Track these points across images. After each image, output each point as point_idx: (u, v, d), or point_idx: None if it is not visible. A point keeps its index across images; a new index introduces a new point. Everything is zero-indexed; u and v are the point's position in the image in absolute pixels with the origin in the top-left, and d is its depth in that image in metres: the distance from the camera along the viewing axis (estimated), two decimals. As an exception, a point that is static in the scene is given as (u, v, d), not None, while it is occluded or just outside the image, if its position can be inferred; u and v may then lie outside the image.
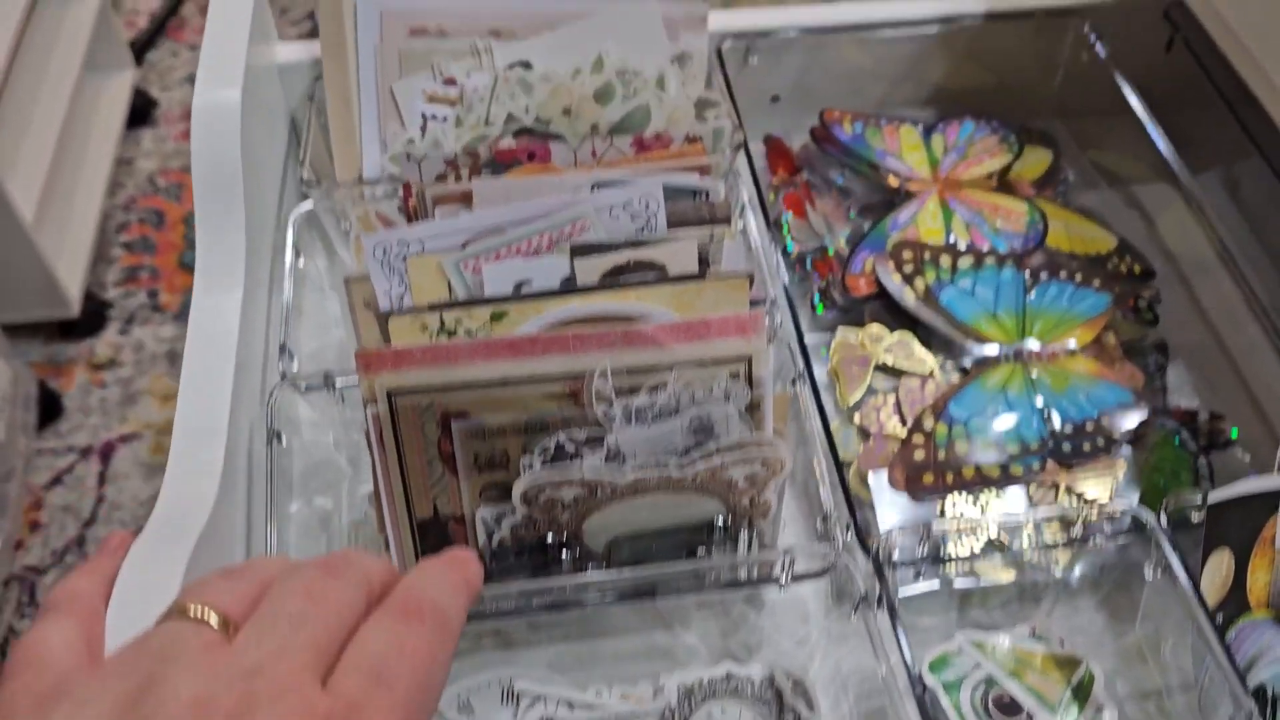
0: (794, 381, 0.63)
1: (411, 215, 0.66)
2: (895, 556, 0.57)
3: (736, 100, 0.77)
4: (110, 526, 1.59)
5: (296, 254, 0.68)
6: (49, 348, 1.81)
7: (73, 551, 1.59)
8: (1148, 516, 0.56)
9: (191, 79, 1.79)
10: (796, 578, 0.57)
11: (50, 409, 1.70)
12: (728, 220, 0.65)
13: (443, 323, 0.58)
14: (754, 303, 0.61)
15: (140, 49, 2.16)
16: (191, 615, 0.35)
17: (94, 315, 1.79)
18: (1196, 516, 0.58)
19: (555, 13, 0.75)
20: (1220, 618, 0.54)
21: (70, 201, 1.82)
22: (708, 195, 0.65)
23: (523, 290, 0.63)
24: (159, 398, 1.75)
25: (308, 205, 0.70)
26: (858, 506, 0.65)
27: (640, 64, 0.73)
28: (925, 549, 0.57)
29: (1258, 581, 0.55)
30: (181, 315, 1.84)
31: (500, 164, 0.67)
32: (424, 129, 0.74)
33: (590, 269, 0.62)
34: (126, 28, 2.20)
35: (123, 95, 1.99)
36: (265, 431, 0.59)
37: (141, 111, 2.09)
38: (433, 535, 0.59)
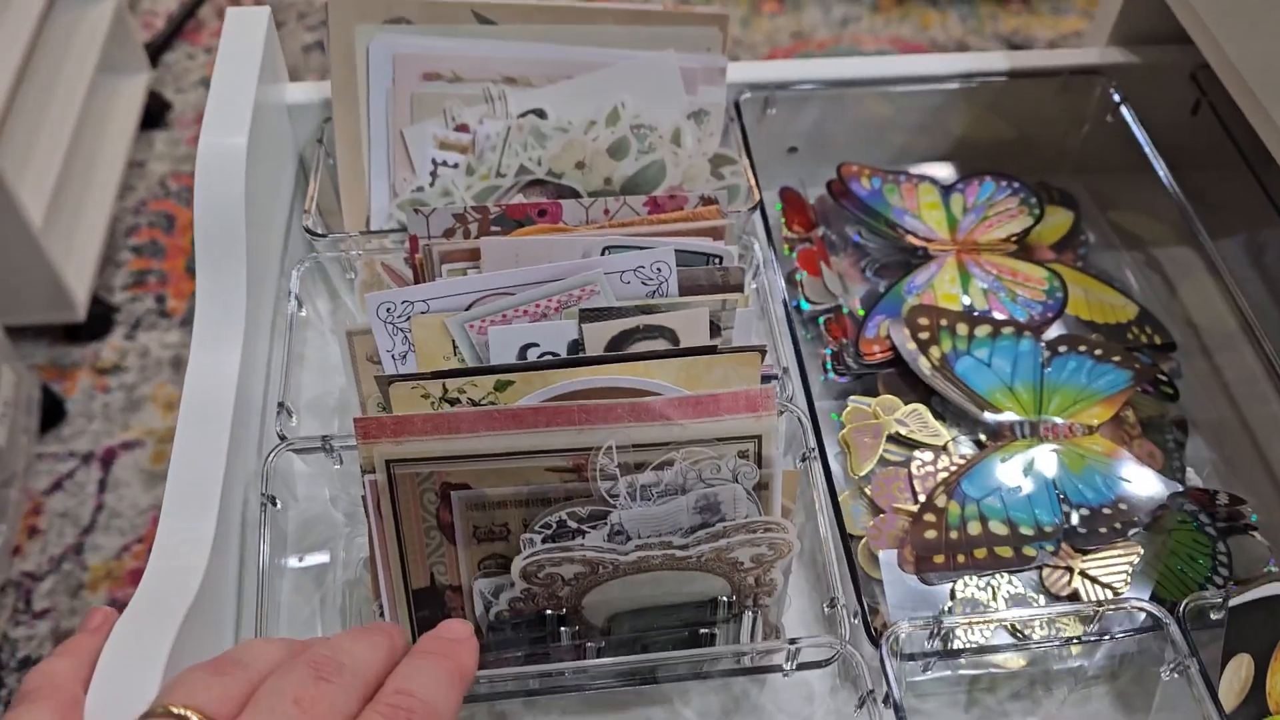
0: (804, 458, 0.62)
1: (418, 270, 0.65)
2: (903, 649, 0.55)
3: (753, 151, 0.76)
4: (109, 535, 1.58)
5: (299, 305, 0.67)
6: (54, 351, 1.80)
7: (70, 559, 1.58)
8: (1165, 616, 0.55)
9: (206, 82, 1.77)
10: (801, 666, 0.55)
11: (53, 413, 1.70)
12: (740, 287, 0.63)
13: (445, 390, 0.57)
14: (765, 378, 0.60)
15: (156, 51, 2.16)
16: (175, 715, 0.33)
17: (100, 319, 1.79)
18: (1214, 614, 0.56)
19: (571, 61, 0.74)
20: (1237, 724, 0.53)
21: (80, 204, 1.81)
22: (721, 260, 0.64)
23: (529, 354, 0.61)
24: (162, 405, 1.74)
25: (311, 258, 0.68)
26: (866, 583, 0.63)
27: (656, 117, 0.72)
28: (935, 643, 0.56)
29: (1278, 686, 0.54)
30: (187, 321, 1.84)
31: (510, 220, 0.65)
32: (434, 176, 0.72)
33: (599, 334, 0.61)
34: (143, 29, 2.19)
35: (137, 97, 1.99)
36: (260, 495, 0.58)
37: (155, 114, 2.08)
38: (429, 604, 0.58)
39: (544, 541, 0.55)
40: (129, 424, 1.73)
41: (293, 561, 0.65)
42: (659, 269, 0.62)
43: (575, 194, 0.71)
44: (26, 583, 1.55)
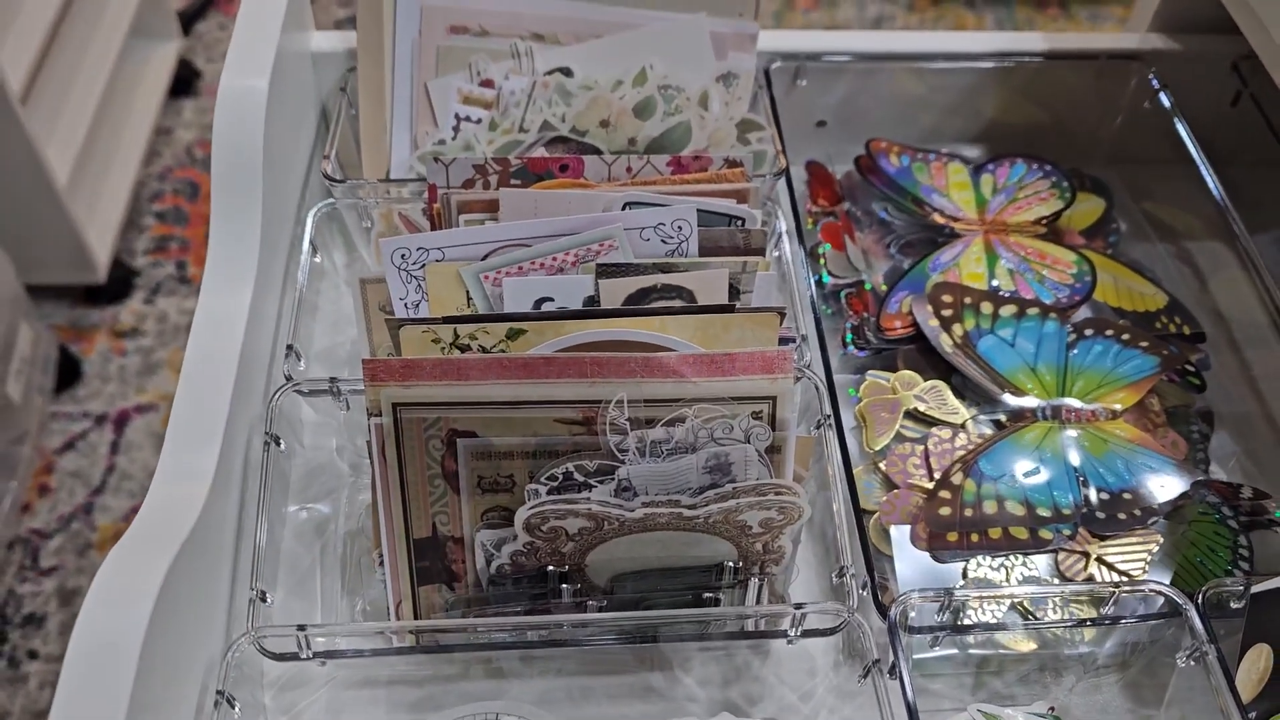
0: (819, 425, 0.60)
1: (435, 220, 0.64)
2: (912, 622, 0.53)
3: (781, 123, 0.74)
4: (118, 496, 1.58)
5: (314, 250, 0.66)
6: (74, 312, 1.80)
7: (79, 518, 1.58)
8: (1184, 601, 0.53)
9: (236, 54, 1.78)
10: (806, 634, 0.54)
11: (69, 373, 1.70)
12: (762, 250, 0.62)
13: (456, 336, 0.56)
14: (783, 340, 0.58)
15: (189, 19, 2.16)
16: None
17: (121, 282, 1.79)
18: (1235, 602, 0.55)
19: (601, 21, 0.73)
20: (1255, 715, 0.51)
21: (106, 167, 1.82)
22: (743, 222, 0.63)
23: (543, 308, 0.60)
24: (177, 370, 1.74)
25: (328, 203, 0.67)
26: (876, 559, 0.62)
27: (684, 80, 0.71)
28: (945, 616, 0.54)
29: (1296, 679, 0.52)
30: (207, 290, 1.84)
31: (531, 174, 0.64)
32: (456, 130, 0.71)
33: (615, 290, 0.60)
34: (177, -3, 2.19)
35: (167, 64, 1.99)
36: (264, 434, 0.57)
37: (185, 82, 2.09)
38: (429, 555, 0.57)
39: (549, 493, 0.54)
40: (144, 387, 1.73)
41: (295, 510, 0.64)
42: (680, 227, 0.61)
43: (598, 152, 0.70)
44: (34, 540, 1.55)
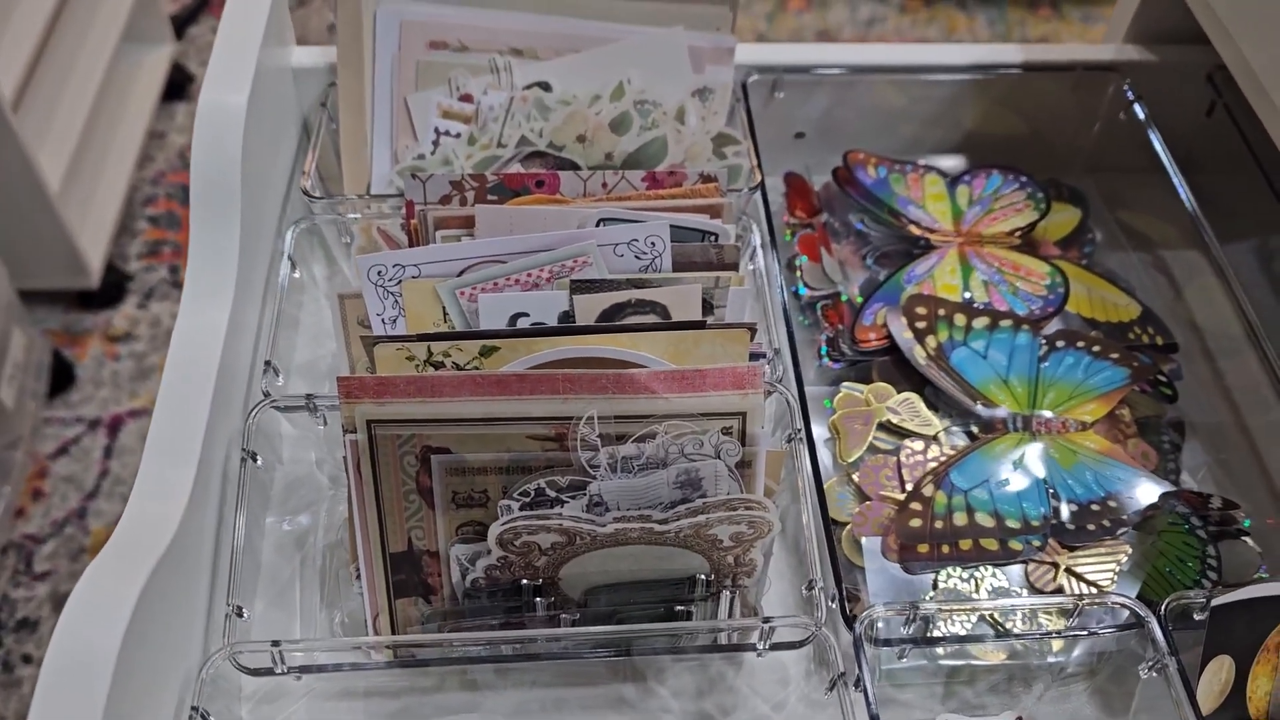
0: (790, 439, 0.61)
1: (413, 235, 0.65)
2: (879, 635, 0.54)
3: (758, 135, 0.75)
4: (112, 501, 1.59)
5: (292, 266, 0.67)
6: (67, 317, 1.81)
7: (72, 523, 1.59)
8: (1146, 614, 0.54)
9: (227, 58, 1.78)
10: (775, 646, 0.55)
11: (62, 378, 1.70)
12: (735, 266, 0.63)
13: (430, 353, 0.57)
14: (754, 356, 0.59)
15: (182, 24, 2.16)
16: None
17: (114, 287, 1.79)
18: (1198, 614, 0.56)
19: (580, 36, 0.74)
20: (1214, 726, 0.52)
21: (99, 172, 1.82)
22: (716, 238, 0.63)
23: (519, 323, 0.61)
24: (171, 375, 1.75)
25: (306, 219, 0.68)
26: (849, 570, 0.63)
27: (662, 94, 0.71)
28: (911, 629, 0.55)
29: (1258, 690, 0.53)
30: (200, 294, 1.84)
31: (508, 189, 0.65)
32: (436, 144, 0.72)
33: (590, 306, 0.61)
34: (169, 2, 2.20)
35: (160, 69, 1.99)
36: (241, 450, 0.58)
37: (178, 86, 2.09)
38: (405, 568, 0.58)
39: (522, 509, 0.54)
40: (137, 392, 1.74)
41: (275, 522, 0.65)
42: (653, 243, 0.62)
43: (575, 167, 0.71)
44: (28, 545, 1.55)
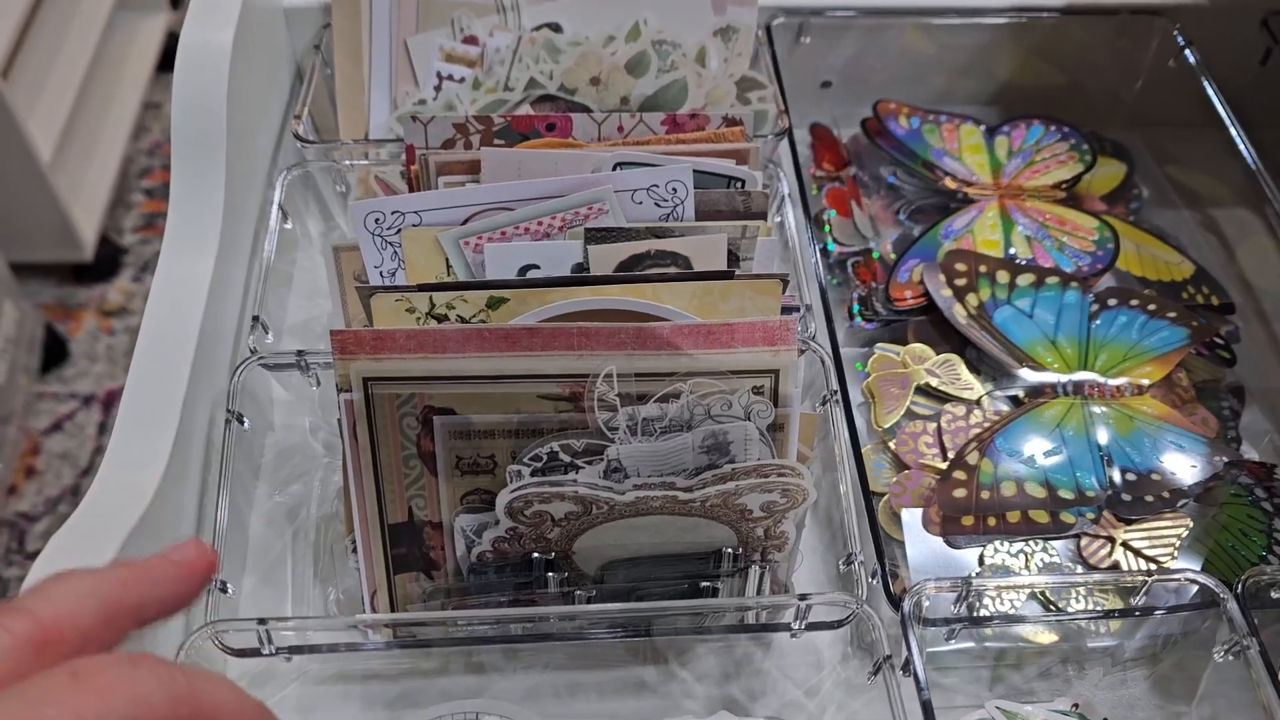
0: (825, 401, 0.56)
1: (413, 183, 0.60)
2: (925, 613, 0.49)
3: (784, 83, 0.70)
4: (107, 480, 1.55)
5: (284, 217, 0.62)
6: (60, 290, 1.76)
7: (66, 500, 1.55)
8: (1223, 591, 0.49)
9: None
10: (811, 626, 0.50)
11: (56, 353, 1.66)
12: (763, 215, 0.58)
13: (433, 305, 0.52)
14: (786, 309, 0.54)
15: (178, -8, 2.11)
16: None
17: (108, 260, 1.75)
18: (1275, 592, 0.51)
19: (591, -29, 0.69)
20: (1297, 713, 0.47)
21: (92, 143, 1.77)
22: (743, 184, 0.58)
23: (529, 275, 0.56)
24: (168, 351, 1.71)
25: (299, 165, 0.63)
26: (886, 545, 0.58)
27: (680, 35, 0.66)
28: (962, 607, 0.50)
29: (1342, 674, 0.48)
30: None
31: (516, 133, 0.60)
32: (438, 89, 0.67)
33: (606, 257, 0.56)
34: (165, -30, 2.15)
35: (155, 38, 1.94)
36: (225, 411, 0.53)
37: (174, 55, 2.04)
38: (406, 541, 0.53)
39: (533, 475, 0.50)
40: (132, 367, 1.69)
41: (265, 492, 0.60)
42: (674, 189, 0.57)
43: (588, 111, 0.66)
44: (21, 523, 1.51)
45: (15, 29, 1.50)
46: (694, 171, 0.57)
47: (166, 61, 2.00)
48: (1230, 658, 0.49)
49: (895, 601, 0.50)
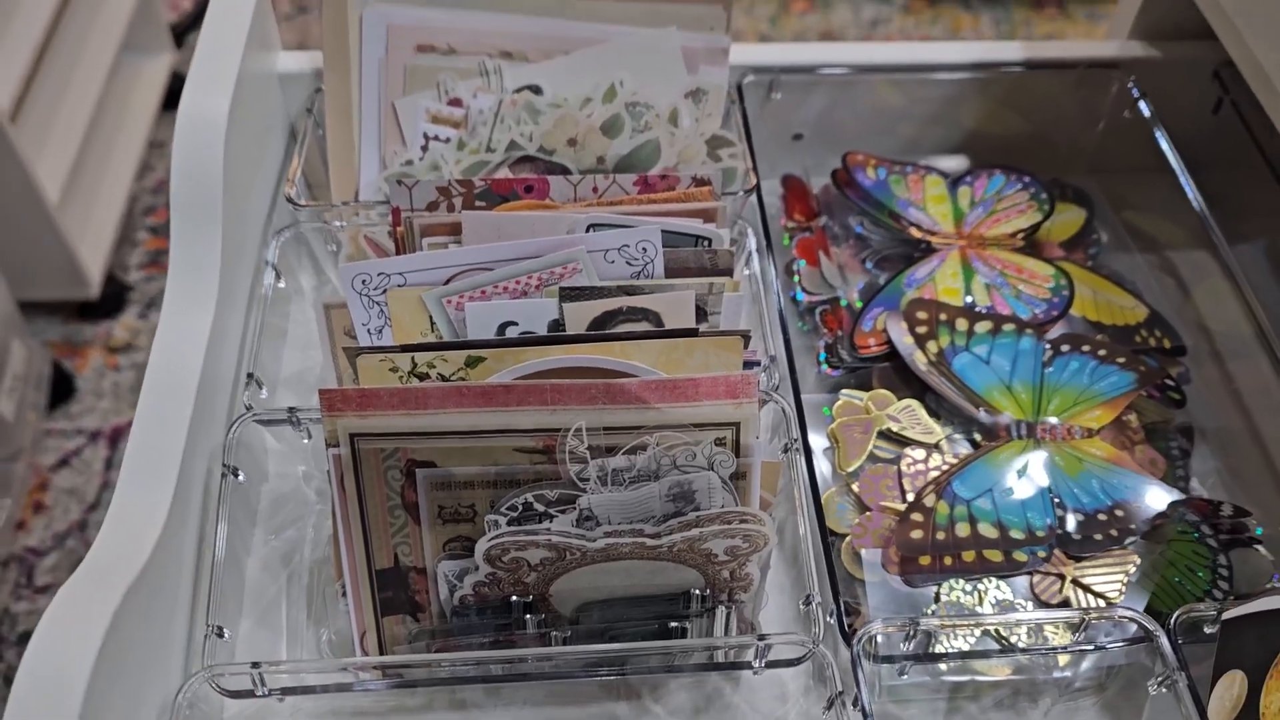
0: (787, 448, 0.59)
1: (399, 243, 0.63)
2: (879, 650, 0.52)
3: (755, 137, 0.73)
4: (113, 513, 1.58)
5: (277, 276, 0.65)
6: (67, 328, 1.80)
7: (74, 535, 1.58)
8: (1155, 628, 0.52)
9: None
10: (771, 664, 0.53)
11: (63, 389, 1.69)
12: (730, 271, 0.61)
13: (414, 364, 0.55)
14: (748, 364, 0.57)
15: (182, 32, 2.15)
16: None
17: (114, 298, 1.78)
18: (1209, 627, 0.54)
19: (571, 37, 0.72)
20: (1227, 744, 0.50)
21: (98, 182, 1.81)
22: (710, 242, 0.62)
23: (507, 332, 0.59)
24: (173, 385, 1.74)
25: (291, 227, 0.67)
26: (849, 583, 0.61)
27: (655, 96, 0.70)
28: (912, 645, 0.53)
29: (1271, 705, 0.51)
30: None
31: (496, 195, 0.64)
32: (425, 149, 0.71)
33: (580, 314, 0.59)
34: (169, 10, 2.19)
35: (160, 78, 1.98)
36: (222, 465, 0.56)
37: (178, 95, 2.08)
38: (393, 585, 0.56)
39: (509, 524, 0.53)
40: (138, 403, 1.72)
41: (261, 537, 0.63)
42: (644, 249, 0.60)
43: (566, 171, 0.69)
44: (30, 558, 1.54)
45: (23, 74, 1.54)
46: (663, 231, 0.61)
47: (171, 100, 2.04)
48: (1163, 690, 0.52)
49: (849, 640, 0.53)
